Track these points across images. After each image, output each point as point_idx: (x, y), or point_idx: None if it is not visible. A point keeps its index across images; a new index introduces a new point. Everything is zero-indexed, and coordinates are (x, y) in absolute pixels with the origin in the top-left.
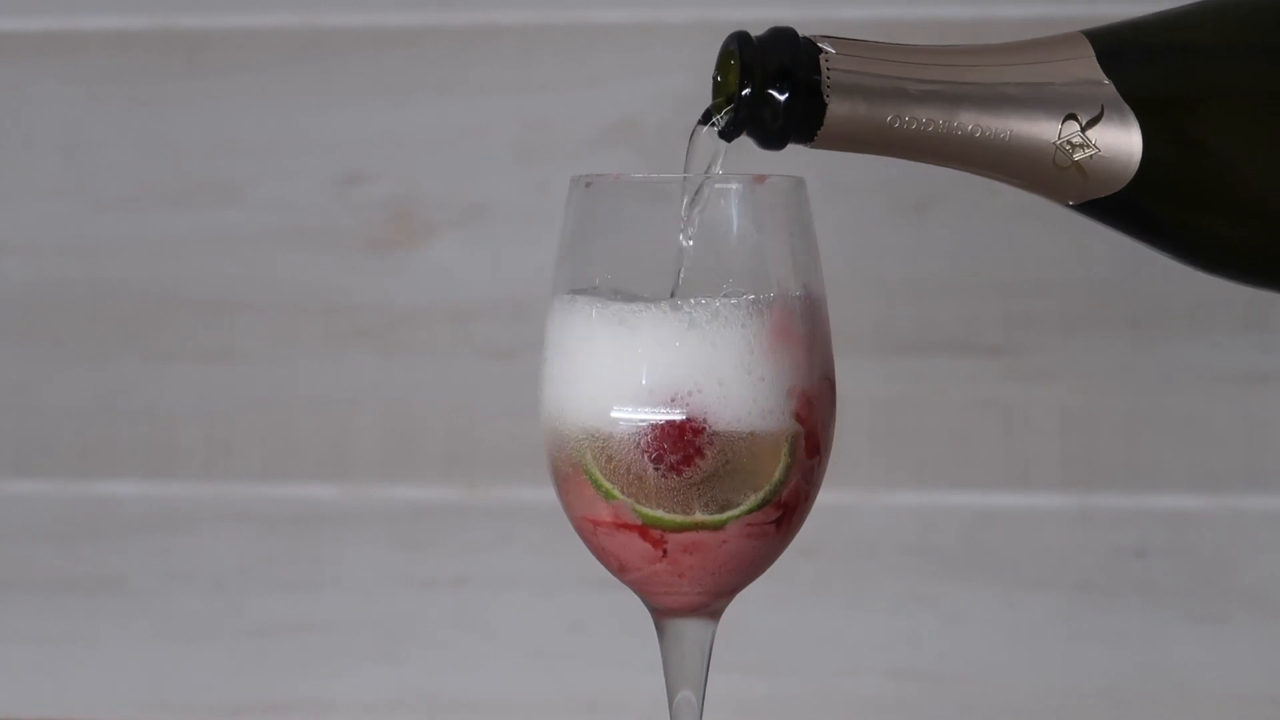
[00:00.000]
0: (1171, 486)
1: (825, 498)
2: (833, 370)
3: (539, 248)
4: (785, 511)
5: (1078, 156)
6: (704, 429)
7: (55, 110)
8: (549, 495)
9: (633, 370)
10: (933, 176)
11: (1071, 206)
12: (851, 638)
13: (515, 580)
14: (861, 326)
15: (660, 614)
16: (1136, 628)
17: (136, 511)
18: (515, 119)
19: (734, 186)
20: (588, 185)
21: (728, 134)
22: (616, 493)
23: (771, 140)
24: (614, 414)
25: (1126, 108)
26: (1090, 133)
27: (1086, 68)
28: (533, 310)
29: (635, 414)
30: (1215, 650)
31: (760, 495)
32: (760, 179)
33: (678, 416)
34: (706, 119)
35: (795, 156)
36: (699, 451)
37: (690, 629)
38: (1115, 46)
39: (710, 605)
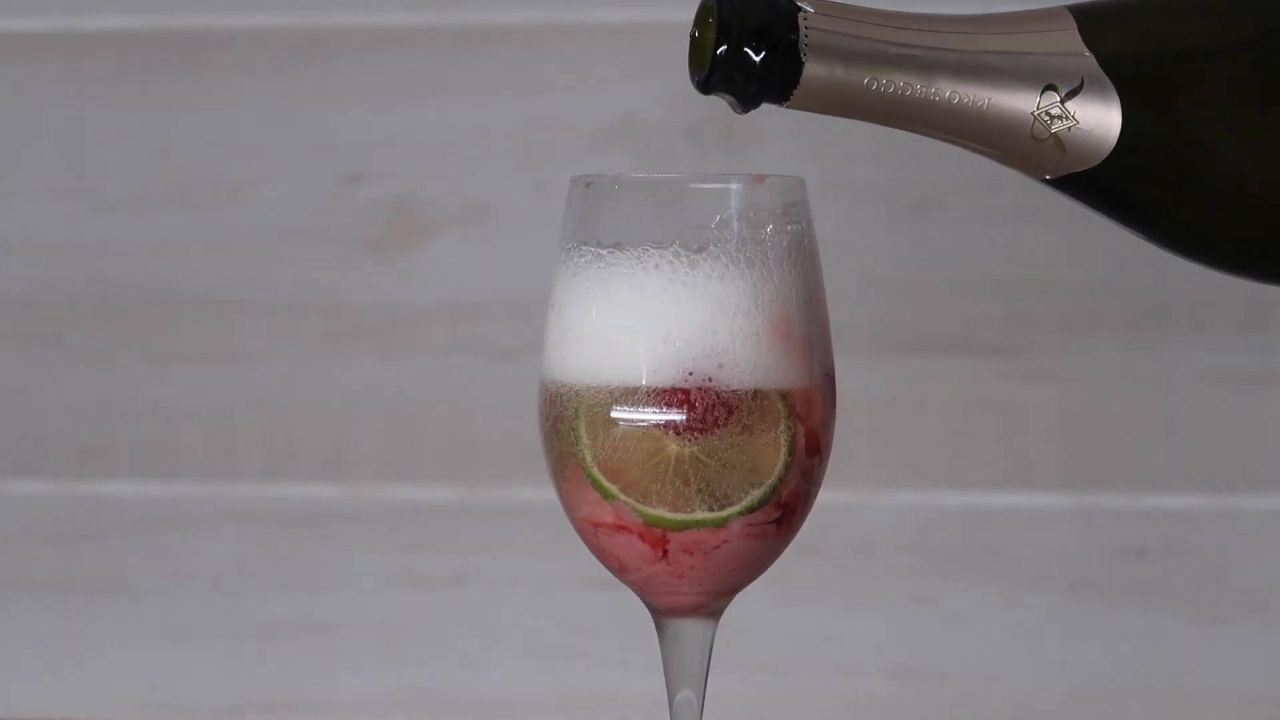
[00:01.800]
0: (1171, 486)
1: (825, 498)
2: (833, 369)
3: (539, 248)
4: (785, 511)
5: (1056, 128)
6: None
7: (55, 110)
8: (549, 495)
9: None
10: (933, 176)
11: (1048, 182)
12: (851, 638)
13: (515, 580)
14: (861, 326)
15: (660, 614)
16: (1136, 628)
17: (136, 511)
18: (515, 119)
19: (734, 186)
20: (588, 185)
21: (704, 89)
22: (617, 492)
23: (747, 100)
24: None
25: (1106, 80)
26: (1069, 104)
27: (1068, 39)
28: (533, 310)
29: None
30: (1215, 650)
31: (761, 491)
32: (760, 179)
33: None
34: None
35: (796, 156)
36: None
37: (690, 629)
38: (1097, 19)
39: (710, 605)
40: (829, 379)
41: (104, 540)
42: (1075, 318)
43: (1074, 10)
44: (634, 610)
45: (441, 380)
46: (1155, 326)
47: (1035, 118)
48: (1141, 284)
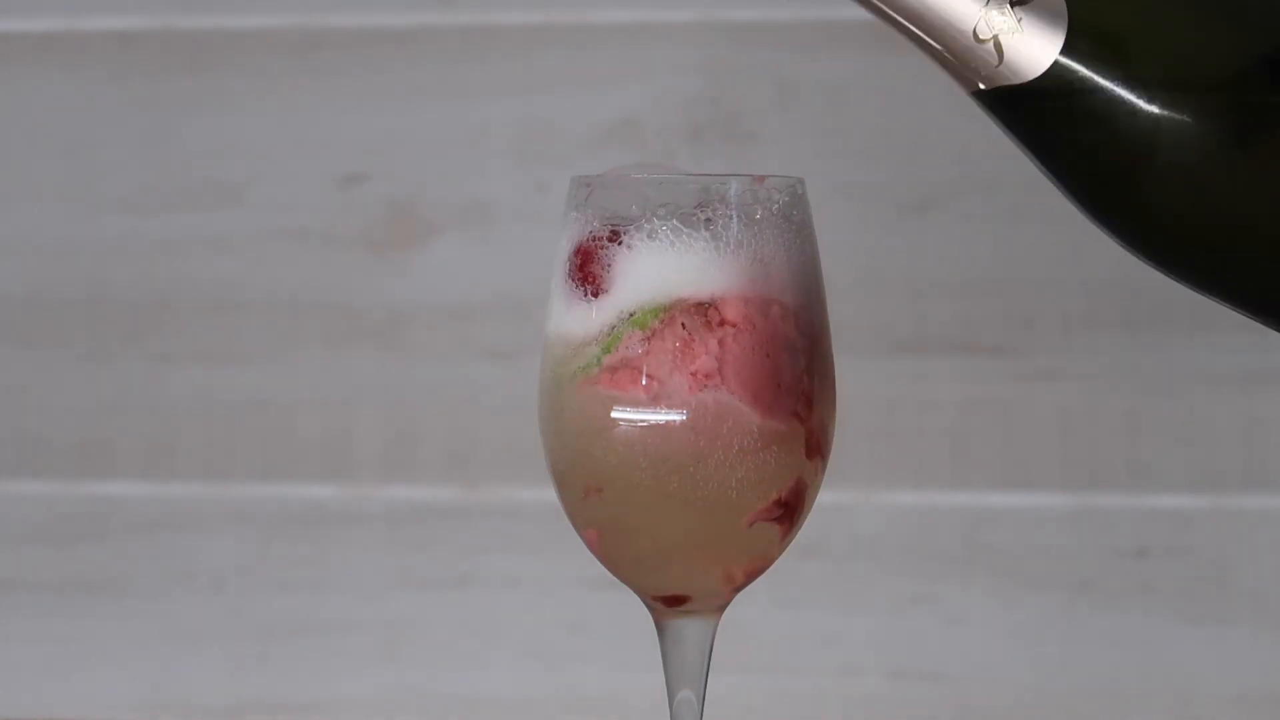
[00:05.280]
0: (1171, 486)
1: (825, 498)
2: (833, 370)
3: (539, 248)
4: (785, 511)
5: (998, 28)
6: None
7: (55, 110)
8: (549, 495)
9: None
10: (933, 176)
11: (974, 96)
12: (851, 638)
13: (515, 580)
14: (861, 326)
15: (660, 614)
16: (1136, 628)
17: (136, 511)
18: (515, 119)
19: (734, 187)
20: (588, 185)
21: None
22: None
23: None
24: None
25: None
26: (1019, 9)
27: None
28: (533, 310)
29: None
30: (1215, 650)
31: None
32: (760, 179)
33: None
34: None
35: (796, 156)
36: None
37: (690, 629)
38: None
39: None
40: (829, 379)
41: (104, 540)
42: (1075, 318)
43: None
44: (634, 610)
45: (441, 380)
46: (1155, 326)
47: (982, 14)
48: (1141, 284)
